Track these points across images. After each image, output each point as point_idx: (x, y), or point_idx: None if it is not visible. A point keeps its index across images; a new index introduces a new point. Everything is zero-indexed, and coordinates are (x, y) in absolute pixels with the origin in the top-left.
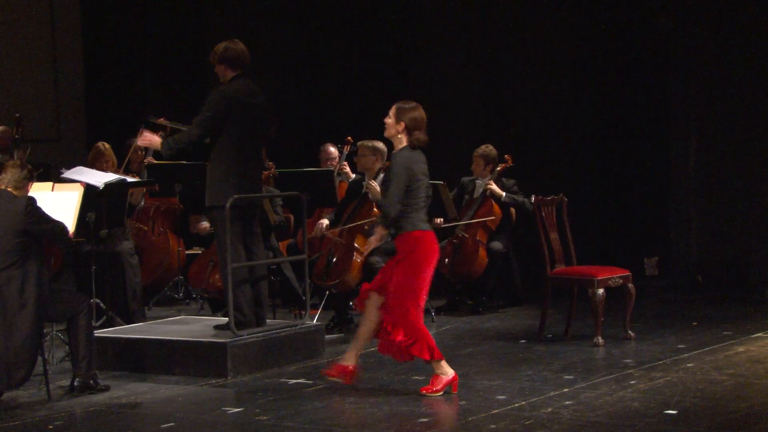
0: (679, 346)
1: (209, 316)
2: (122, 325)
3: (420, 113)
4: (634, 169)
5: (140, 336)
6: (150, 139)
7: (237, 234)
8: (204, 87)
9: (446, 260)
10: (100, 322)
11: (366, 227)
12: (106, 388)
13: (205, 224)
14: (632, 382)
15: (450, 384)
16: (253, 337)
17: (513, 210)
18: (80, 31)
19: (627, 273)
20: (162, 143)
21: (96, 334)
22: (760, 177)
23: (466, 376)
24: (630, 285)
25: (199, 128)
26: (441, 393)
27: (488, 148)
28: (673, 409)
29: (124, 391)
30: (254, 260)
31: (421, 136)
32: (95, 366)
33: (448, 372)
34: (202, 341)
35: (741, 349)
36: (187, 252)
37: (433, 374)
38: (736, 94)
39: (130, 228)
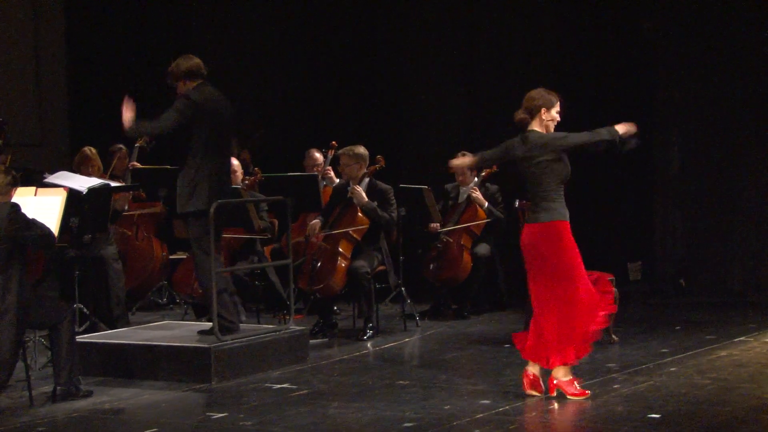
0: (663, 350)
1: (193, 321)
2: (105, 330)
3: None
4: (618, 174)
5: (124, 341)
6: (126, 113)
7: (205, 240)
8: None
9: (431, 265)
10: (84, 327)
11: (356, 236)
12: (89, 394)
13: None
14: (616, 387)
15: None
16: (237, 342)
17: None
18: (64, 35)
19: (611, 277)
20: (130, 125)
21: (79, 340)
22: (743, 182)
23: (450, 380)
24: (616, 290)
25: (165, 122)
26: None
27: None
28: (656, 413)
29: (107, 396)
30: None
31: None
32: (78, 373)
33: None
34: (185, 346)
35: (724, 353)
36: (171, 257)
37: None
38: (719, 99)
39: (114, 233)
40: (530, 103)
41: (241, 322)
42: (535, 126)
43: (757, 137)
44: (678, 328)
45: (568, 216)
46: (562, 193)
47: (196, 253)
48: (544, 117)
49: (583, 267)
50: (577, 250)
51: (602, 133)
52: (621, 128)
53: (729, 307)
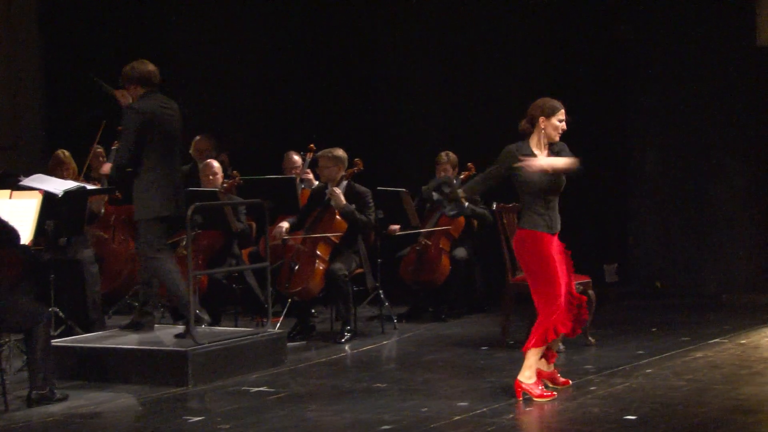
0: (639, 352)
1: (170, 324)
2: (81, 333)
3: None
4: (594, 177)
5: (100, 345)
6: (104, 167)
7: (163, 240)
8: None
9: (409, 268)
10: (59, 330)
11: (334, 238)
12: (65, 398)
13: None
14: (592, 388)
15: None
16: (214, 345)
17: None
18: (38, 36)
19: (587, 279)
20: (111, 171)
21: (55, 343)
22: (717, 185)
23: (428, 382)
24: (590, 291)
25: (126, 151)
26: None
27: (451, 155)
28: (632, 415)
29: (83, 400)
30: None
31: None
32: (53, 377)
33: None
34: (162, 350)
35: (699, 354)
36: None
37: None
38: (694, 103)
39: (90, 236)
40: (530, 111)
41: (210, 324)
42: (534, 135)
43: (730, 141)
44: (654, 329)
45: (541, 226)
46: (542, 203)
47: (151, 258)
48: (542, 126)
49: (552, 275)
50: (547, 259)
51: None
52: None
53: (704, 309)
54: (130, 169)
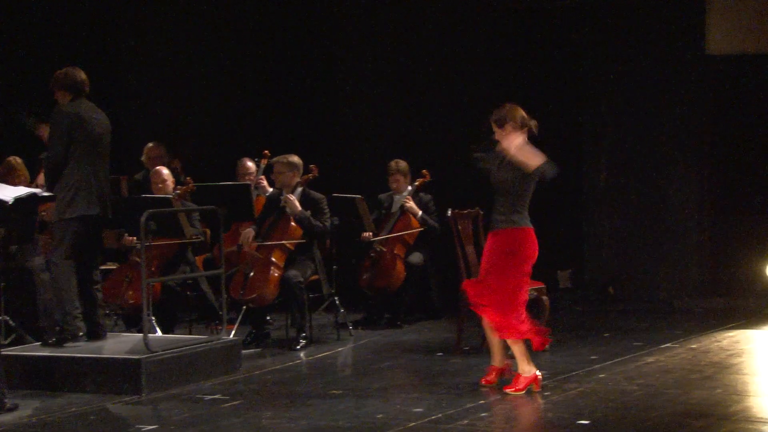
0: (592, 357)
1: (123, 332)
2: (32, 342)
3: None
4: (548, 183)
5: (51, 353)
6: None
7: (72, 247)
8: (116, 99)
9: (364, 274)
10: (10, 339)
11: (289, 245)
12: (15, 407)
13: (130, 238)
14: (546, 393)
15: (533, 382)
16: (168, 353)
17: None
18: None
19: (541, 285)
20: (45, 183)
21: (5, 352)
22: (669, 192)
23: (384, 389)
24: (544, 297)
25: (56, 147)
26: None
27: (401, 163)
28: (586, 420)
29: (33, 410)
30: (85, 275)
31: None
32: (3, 386)
33: (530, 370)
34: (115, 358)
35: (651, 359)
36: (101, 267)
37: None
38: (645, 111)
39: (41, 243)
40: (497, 113)
41: (96, 336)
42: (498, 137)
43: (681, 148)
44: (607, 335)
45: (499, 225)
46: (502, 202)
47: (55, 263)
48: (510, 129)
49: (504, 273)
50: (501, 257)
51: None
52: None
53: (656, 314)
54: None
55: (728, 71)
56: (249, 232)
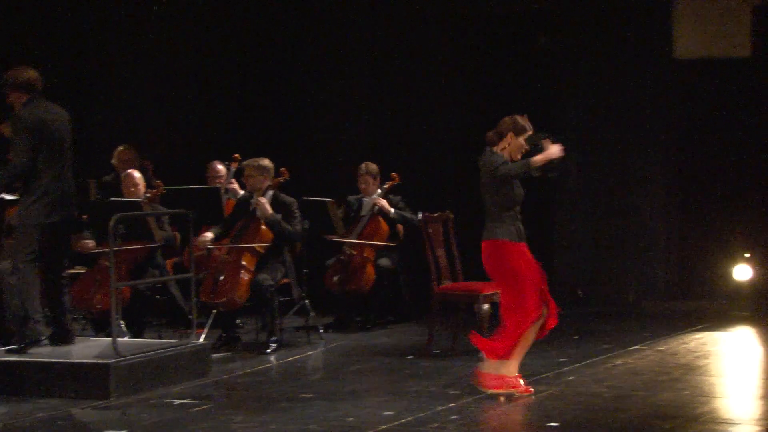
0: (561, 359)
1: (92, 336)
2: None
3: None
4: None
5: (18, 358)
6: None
7: (33, 252)
8: (85, 101)
9: (334, 277)
10: None
11: (259, 249)
12: None
13: (90, 243)
14: (516, 396)
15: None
16: (137, 357)
17: (400, 227)
18: None
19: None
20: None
21: None
22: (636, 195)
23: (354, 392)
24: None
25: (21, 157)
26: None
27: (371, 165)
28: (555, 422)
29: (0, 415)
30: (52, 280)
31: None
32: None
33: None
34: (84, 362)
35: (619, 361)
36: (69, 271)
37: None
38: (613, 115)
39: (8, 247)
40: (501, 125)
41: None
42: (497, 148)
43: (649, 152)
44: (576, 337)
45: (504, 235)
46: (506, 214)
47: (17, 268)
48: (509, 141)
49: (512, 282)
50: (513, 267)
51: (519, 167)
52: (538, 158)
53: (624, 317)
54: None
55: (695, 75)
56: (206, 235)
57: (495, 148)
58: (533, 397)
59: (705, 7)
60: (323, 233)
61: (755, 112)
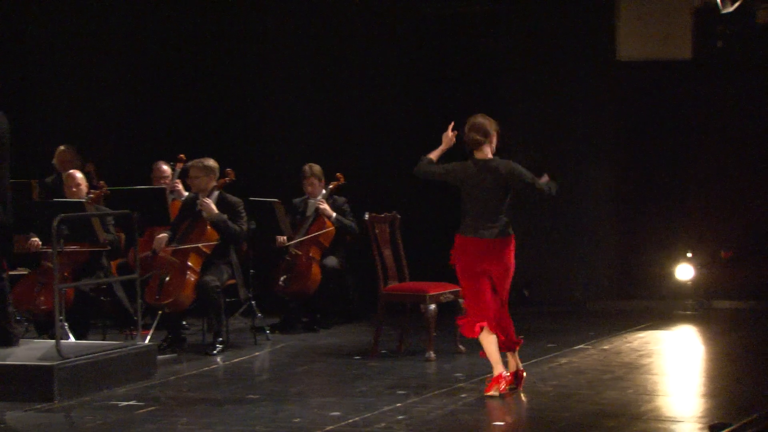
0: (506, 359)
1: (35, 338)
2: None
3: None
4: None
5: None
6: None
7: None
8: (25, 100)
9: (280, 278)
10: None
11: (205, 249)
12: None
13: (37, 241)
14: (463, 396)
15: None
16: (81, 359)
17: None
18: None
19: (458, 289)
20: None
21: None
22: (581, 195)
23: (301, 393)
24: (461, 300)
25: None
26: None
27: (315, 167)
28: (500, 421)
29: None
30: None
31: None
32: None
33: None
34: (26, 364)
35: (564, 360)
36: (11, 273)
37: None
38: (557, 116)
39: None
40: (486, 126)
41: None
42: (486, 146)
43: (593, 152)
44: (521, 336)
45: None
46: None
47: None
48: (494, 140)
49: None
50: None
51: (540, 183)
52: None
53: (569, 316)
54: None
55: (638, 77)
56: (162, 237)
57: (486, 149)
58: (479, 397)
59: (648, 9)
60: (271, 235)
61: (697, 113)
